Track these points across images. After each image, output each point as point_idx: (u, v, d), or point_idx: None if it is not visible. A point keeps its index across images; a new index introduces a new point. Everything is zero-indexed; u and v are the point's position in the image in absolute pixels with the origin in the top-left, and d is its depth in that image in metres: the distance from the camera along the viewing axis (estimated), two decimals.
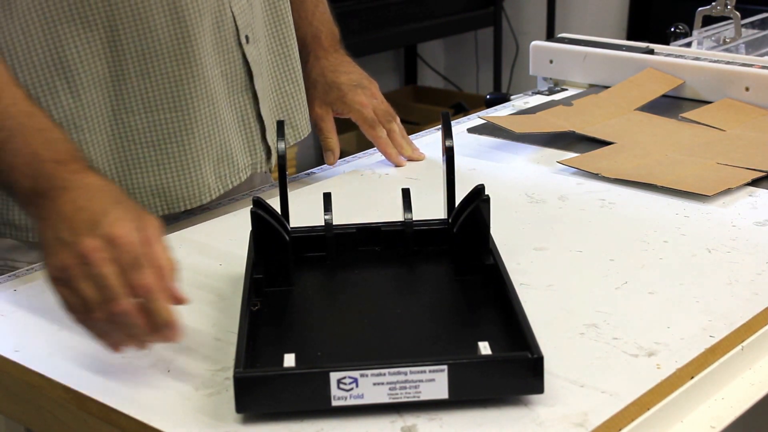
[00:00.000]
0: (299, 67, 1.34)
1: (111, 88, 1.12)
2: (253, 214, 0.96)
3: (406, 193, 1.04)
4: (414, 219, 1.03)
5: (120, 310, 0.82)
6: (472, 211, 0.97)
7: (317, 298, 0.98)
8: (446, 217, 1.04)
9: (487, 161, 1.39)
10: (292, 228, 1.04)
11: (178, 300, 0.85)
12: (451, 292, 0.98)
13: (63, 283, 0.84)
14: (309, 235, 1.04)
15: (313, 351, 0.87)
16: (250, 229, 0.98)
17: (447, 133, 1.03)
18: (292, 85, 1.32)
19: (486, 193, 0.97)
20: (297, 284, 0.98)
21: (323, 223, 1.03)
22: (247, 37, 1.21)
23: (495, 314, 0.92)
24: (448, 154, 1.03)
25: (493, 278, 0.95)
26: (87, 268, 0.83)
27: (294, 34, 1.32)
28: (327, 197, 1.04)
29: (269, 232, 0.97)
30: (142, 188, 1.15)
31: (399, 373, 0.80)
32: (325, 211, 1.03)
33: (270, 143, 1.27)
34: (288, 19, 1.31)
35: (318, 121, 1.38)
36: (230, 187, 1.22)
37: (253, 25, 1.23)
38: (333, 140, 1.38)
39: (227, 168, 1.21)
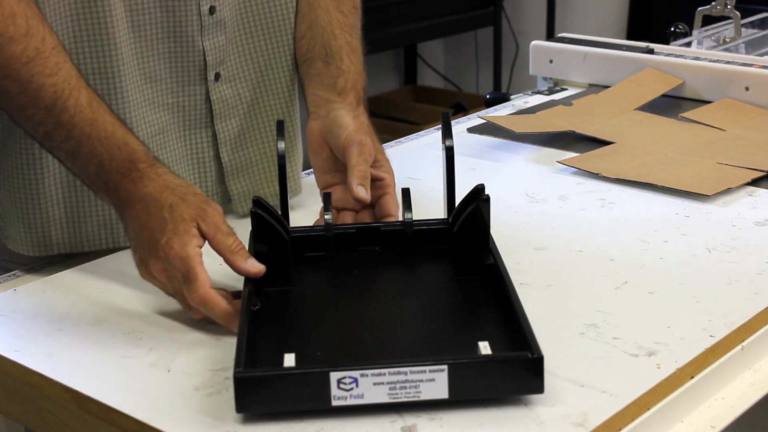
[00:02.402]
0: (298, 122, 1.27)
1: None
2: (253, 214, 0.96)
3: (405, 193, 1.04)
4: (414, 219, 1.03)
5: (193, 313, 0.95)
6: (472, 211, 0.97)
7: (317, 298, 0.98)
8: (446, 216, 1.04)
9: (487, 161, 1.39)
10: (291, 228, 1.04)
11: (254, 274, 0.95)
12: (451, 292, 0.98)
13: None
14: (309, 234, 1.04)
15: (313, 351, 0.87)
16: (250, 229, 0.98)
17: (447, 133, 1.03)
18: (288, 140, 1.24)
19: (486, 193, 0.97)
20: (297, 284, 0.98)
21: (323, 223, 1.03)
22: (217, 75, 1.16)
23: (495, 314, 0.92)
24: (448, 153, 1.03)
25: (493, 278, 0.95)
26: (164, 286, 0.97)
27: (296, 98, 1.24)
28: (327, 197, 1.04)
29: (269, 232, 0.97)
30: (92, 220, 1.12)
31: (399, 373, 0.80)
32: (324, 210, 1.03)
33: (230, 188, 1.21)
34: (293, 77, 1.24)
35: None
36: None
37: (229, 63, 1.17)
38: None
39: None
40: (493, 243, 0.99)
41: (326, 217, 1.03)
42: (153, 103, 1.13)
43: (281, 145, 1.02)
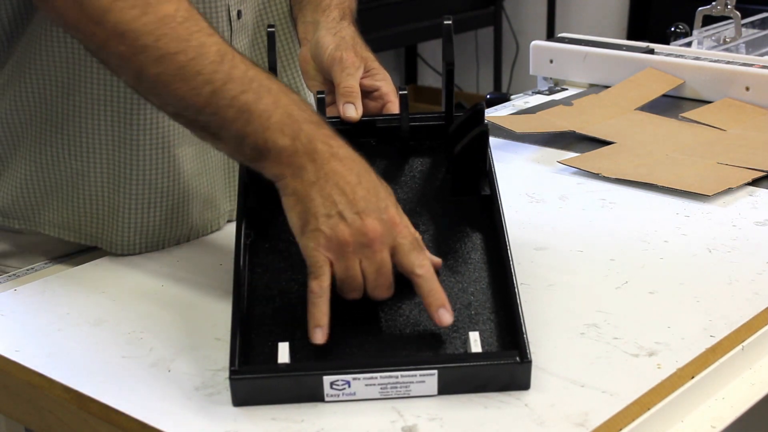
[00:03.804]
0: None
1: (109, 116, 1.08)
2: None
3: (403, 98, 1.02)
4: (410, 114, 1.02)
5: (385, 297, 0.87)
6: (474, 138, 0.97)
7: None
8: (444, 112, 1.04)
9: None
10: None
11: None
12: (447, 242, 0.96)
13: (334, 255, 0.86)
14: None
15: (306, 325, 0.86)
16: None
17: (447, 43, 1.01)
18: None
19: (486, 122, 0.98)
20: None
21: None
22: None
23: (490, 288, 0.91)
24: (448, 58, 1.01)
25: (489, 210, 0.96)
26: (366, 249, 0.85)
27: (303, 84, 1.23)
28: (321, 101, 1.02)
29: None
30: (130, 226, 1.11)
31: (390, 376, 0.82)
32: (317, 108, 1.01)
33: None
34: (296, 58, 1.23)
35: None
36: (209, 231, 1.16)
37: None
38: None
39: (211, 212, 1.16)
40: (492, 170, 0.99)
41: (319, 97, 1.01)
42: None
43: (272, 55, 0.99)
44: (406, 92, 1.02)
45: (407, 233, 0.87)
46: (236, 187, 1.17)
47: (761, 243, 1.11)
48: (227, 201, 1.19)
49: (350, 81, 1.05)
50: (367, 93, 1.07)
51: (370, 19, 3.21)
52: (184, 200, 1.12)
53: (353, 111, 1.03)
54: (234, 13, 1.12)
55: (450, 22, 1.01)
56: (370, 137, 1.04)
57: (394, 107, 1.07)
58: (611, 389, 0.83)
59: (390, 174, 1.02)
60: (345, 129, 1.02)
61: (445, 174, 1.01)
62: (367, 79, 1.07)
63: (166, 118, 1.05)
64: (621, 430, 0.80)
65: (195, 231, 1.15)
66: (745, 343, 0.92)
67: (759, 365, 0.93)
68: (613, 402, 0.81)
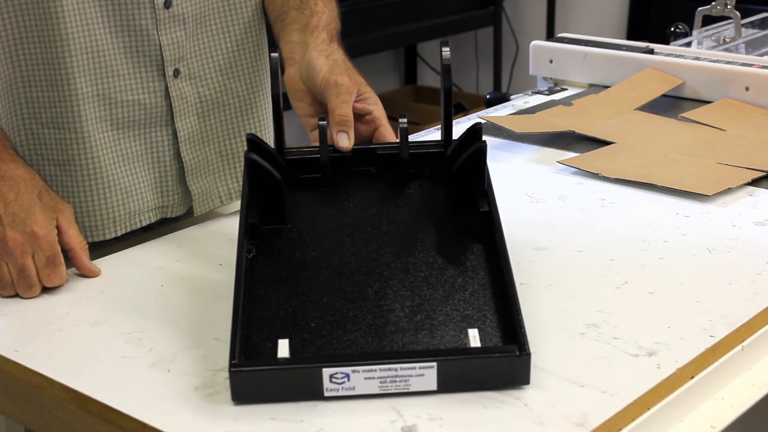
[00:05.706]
0: (269, 114, 1.27)
1: (22, 93, 1.10)
2: (247, 159, 0.96)
3: (403, 131, 1.03)
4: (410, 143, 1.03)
5: (32, 296, 1.02)
6: (471, 155, 0.97)
7: (310, 247, 0.97)
8: (442, 140, 1.05)
9: (487, 161, 1.38)
10: (288, 149, 1.04)
11: (94, 274, 1.06)
12: (446, 250, 0.97)
13: None
14: (305, 157, 1.03)
15: (306, 325, 0.87)
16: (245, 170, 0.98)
17: (446, 68, 1.02)
18: (257, 131, 1.25)
19: (483, 139, 0.99)
20: (291, 222, 0.99)
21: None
22: (176, 71, 1.15)
23: (489, 289, 0.91)
24: (446, 84, 1.01)
25: (487, 230, 0.96)
26: (9, 255, 1.00)
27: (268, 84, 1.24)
28: (323, 128, 1.03)
29: (264, 177, 0.96)
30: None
31: (390, 369, 0.82)
32: (320, 140, 1.02)
33: (191, 187, 1.21)
34: (264, 63, 1.25)
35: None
36: (138, 225, 1.18)
37: (190, 60, 1.17)
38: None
39: (136, 204, 1.17)
40: (490, 187, 1.00)
41: (322, 129, 1.03)
42: (109, 99, 1.12)
43: (275, 82, 1.00)
44: (406, 126, 1.03)
45: (48, 246, 1.01)
46: (166, 182, 1.19)
47: (761, 243, 1.11)
48: (156, 196, 1.19)
49: (345, 108, 1.06)
50: (359, 116, 1.09)
51: (371, 19, 3.20)
52: (101, 188, 1.15)
53: (346, 141, 1.05)
54: (159, 2, 1.12)
55: (448, 49, 1.01)
56: (370, 165, 1.06)
57: (385, 131, 1.10)
58: (611, 389, 0.83)
59: (390, 198, 1.03)
60: (347, 156, 1.04)
61: (445, 197, 1.02)
62: (359, 103, 1.10)
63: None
64: (621, 430, 0.80)
65: (119, 224, 1.17)
66: (744, 343, 0.92)
67: (759, 365, 0.93)
68: (613, 402, 0.81)
